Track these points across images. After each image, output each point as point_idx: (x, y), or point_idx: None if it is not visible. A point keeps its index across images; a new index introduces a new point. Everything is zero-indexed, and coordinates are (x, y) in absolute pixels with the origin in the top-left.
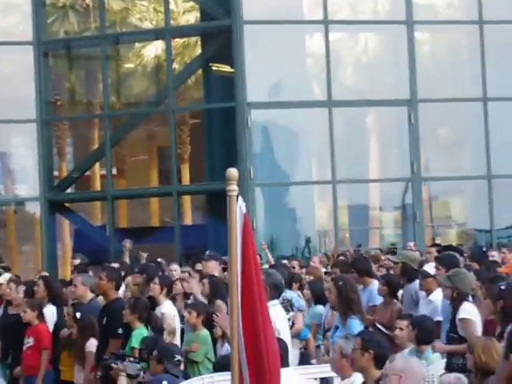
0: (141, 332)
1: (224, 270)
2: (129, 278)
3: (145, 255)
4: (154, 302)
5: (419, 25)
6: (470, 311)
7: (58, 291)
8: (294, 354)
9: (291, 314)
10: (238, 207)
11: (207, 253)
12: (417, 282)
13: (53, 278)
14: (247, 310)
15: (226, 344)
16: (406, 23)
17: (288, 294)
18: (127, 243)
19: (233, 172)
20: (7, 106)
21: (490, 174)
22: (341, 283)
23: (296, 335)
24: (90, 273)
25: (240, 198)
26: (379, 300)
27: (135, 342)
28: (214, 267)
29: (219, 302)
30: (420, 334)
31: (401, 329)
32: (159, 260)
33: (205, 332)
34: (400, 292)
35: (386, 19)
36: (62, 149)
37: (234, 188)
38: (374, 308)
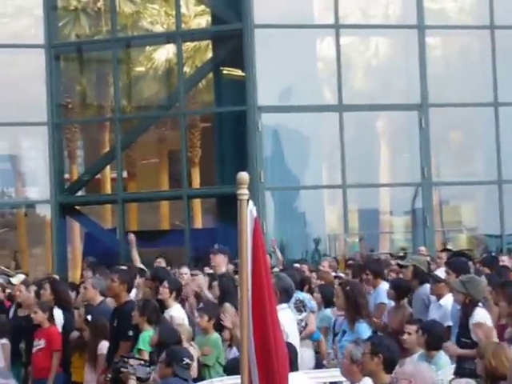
0: (148, 334)
1: (235, 272)
2: (139, 280)
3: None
4: (163, 305)
5: (430, 29)
6: (483, 316)
7: (64, 295)
8: (309, 354)
9: (304, 314)
10: (249, 211)
11: (215, 246)
12: (428, 286)
13: (60, 282)
14: (257, 312)
15: (234, 347)
16: (417, 28)
17: (300, 294)
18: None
19: (243, 176)
20: (18, 108)
21: (501, 179)
22: (348, 288)
23: (309, 336)
24: (97, 275)
25: (250, 201)
26: (387, 299)
27: (142, 344)
28: (221, 261)
29: (227, 304)
30: (430, 339)
31: (409, 333)
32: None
33: (216, 336)
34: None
35: (397, 24)
36: (73, 152)
37: (244, 192)
38: (382, 306)
